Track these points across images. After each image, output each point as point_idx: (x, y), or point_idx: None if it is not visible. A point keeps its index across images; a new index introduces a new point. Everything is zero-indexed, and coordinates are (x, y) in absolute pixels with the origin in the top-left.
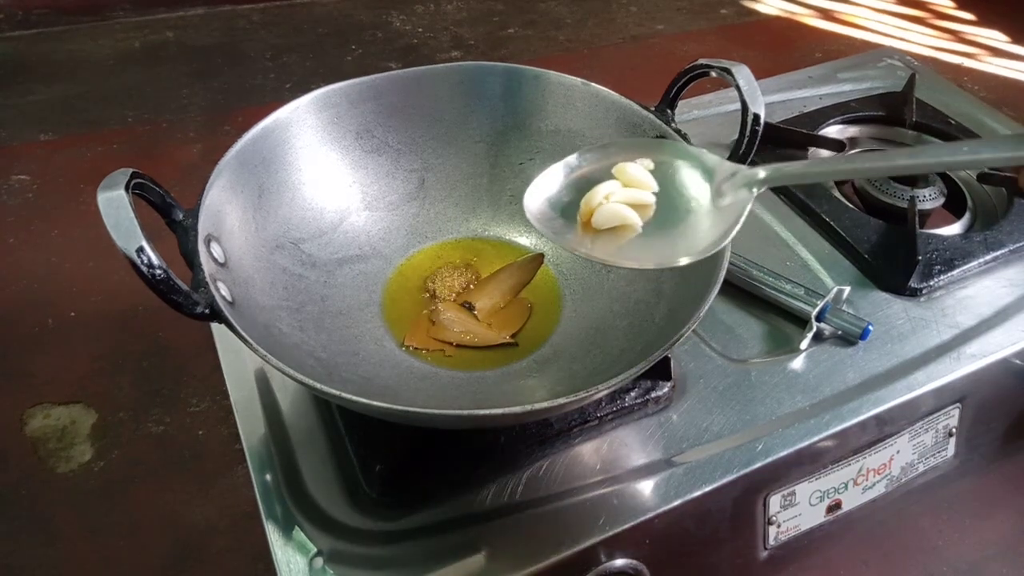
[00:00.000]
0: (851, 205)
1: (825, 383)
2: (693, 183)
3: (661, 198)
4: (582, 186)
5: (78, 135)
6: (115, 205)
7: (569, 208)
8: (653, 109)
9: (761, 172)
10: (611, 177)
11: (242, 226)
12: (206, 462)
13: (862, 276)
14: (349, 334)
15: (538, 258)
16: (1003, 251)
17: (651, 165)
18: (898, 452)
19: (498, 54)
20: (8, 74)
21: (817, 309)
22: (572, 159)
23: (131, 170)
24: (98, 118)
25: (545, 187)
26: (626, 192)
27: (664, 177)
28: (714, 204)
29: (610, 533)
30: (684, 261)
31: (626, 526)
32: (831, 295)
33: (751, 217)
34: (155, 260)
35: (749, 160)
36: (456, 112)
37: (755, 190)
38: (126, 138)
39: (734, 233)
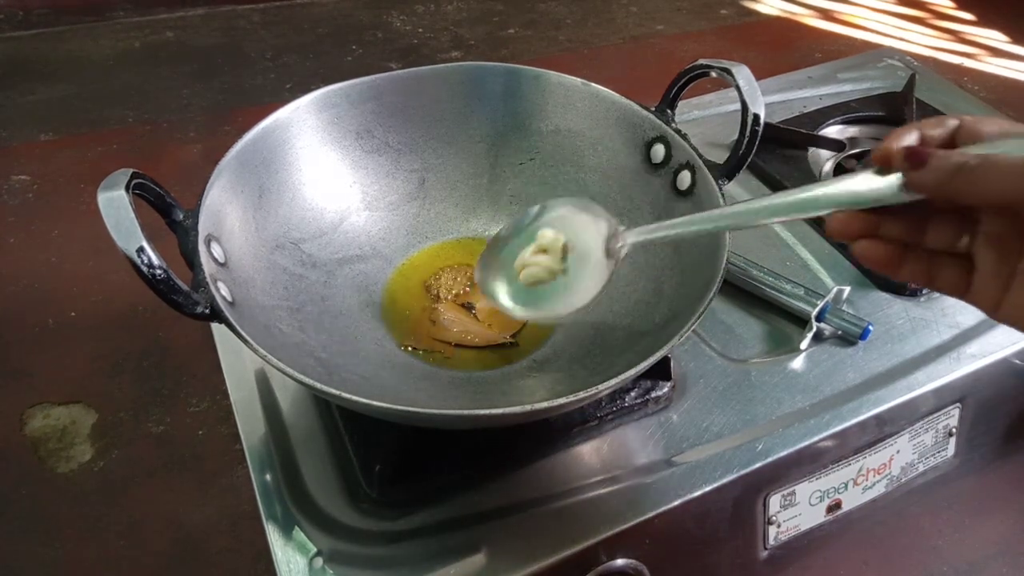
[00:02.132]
0: None
1: (825, 383)
2: (596, 243)
3: (576, 256)
4: (514, 248)
5: (78, 135)
6: (115, 205)
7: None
8: (653, 109)
9: (630, 237)
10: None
11: (242, 226)
12: (206, 462)
13: (862, 276)
14: (349, 334)
15: None
16: None
17: (560, 238)
18: (898, 452)
19: (498, 54)
20: (8, 74)
21: (817, 309)
22: (507, 229)
23: (131, 170)
24: (98, 118)
25: (489, 255)
26: (541, 257)
27: (579, 236)
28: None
29: (610, 533)
30: (568, 312)
31: (626, 526)
32: (831, 295)
33: None
34: (155, 260)
35: (748, 161)
36: (456, 112)
37: (623, 252)
38: (126, 138)
39: (596, 292)
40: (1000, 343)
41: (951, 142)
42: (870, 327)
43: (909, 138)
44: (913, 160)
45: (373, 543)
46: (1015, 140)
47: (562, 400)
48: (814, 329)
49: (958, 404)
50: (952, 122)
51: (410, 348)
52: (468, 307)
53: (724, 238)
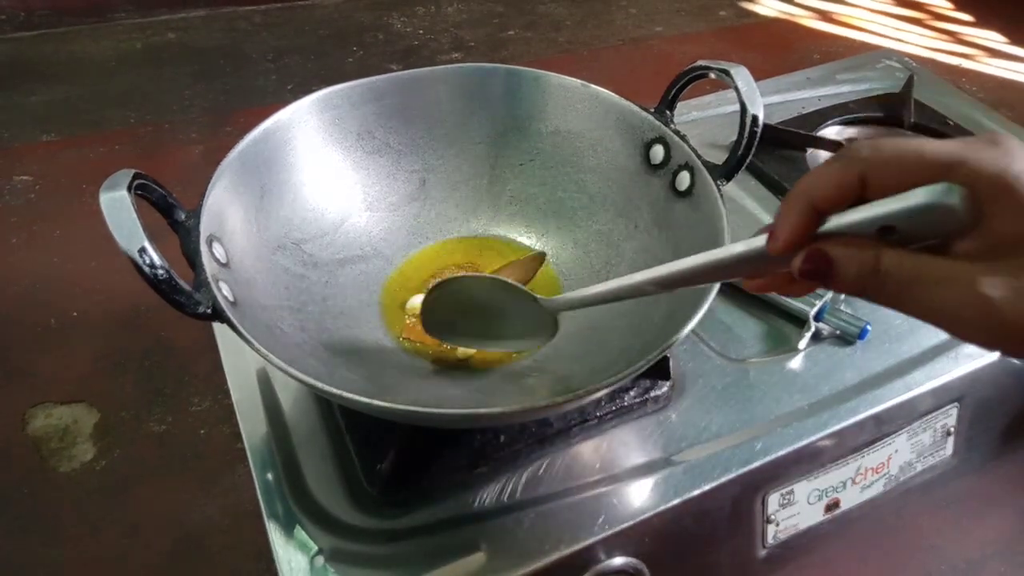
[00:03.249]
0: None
1: (823, 383)
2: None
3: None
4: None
5: (80, 136)
6: (117, 206)
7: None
8: (652, 110)
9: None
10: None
11: (244, 226)
12: (208, 461)
13: None
14: (350, 334)
15: (540, 257)
16: None
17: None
18: (896, 451)
19: (498, 56)
20: (10, 75)
21: (815, 309)
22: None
23: (133, 171)
24: (100, 119)
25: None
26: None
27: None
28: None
29: (609, 532)
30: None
31: (625, 525)
32: (829, 295)
33: (750, 218)
34: (157, 260)
35: (747, 162)
36: (457, 113)
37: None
38: (128, 139)
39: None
40: None
41: (860, 188)
42: (868, 327)
43: (792, 225)
44: (814, 276)
45: (374, 542)
46: (924, 190)
47: (562, 399)
48: (812, 329)
49: (956, 404)
50: (854, 169)
51: (408, 341)
52: None
53: (723, 239)
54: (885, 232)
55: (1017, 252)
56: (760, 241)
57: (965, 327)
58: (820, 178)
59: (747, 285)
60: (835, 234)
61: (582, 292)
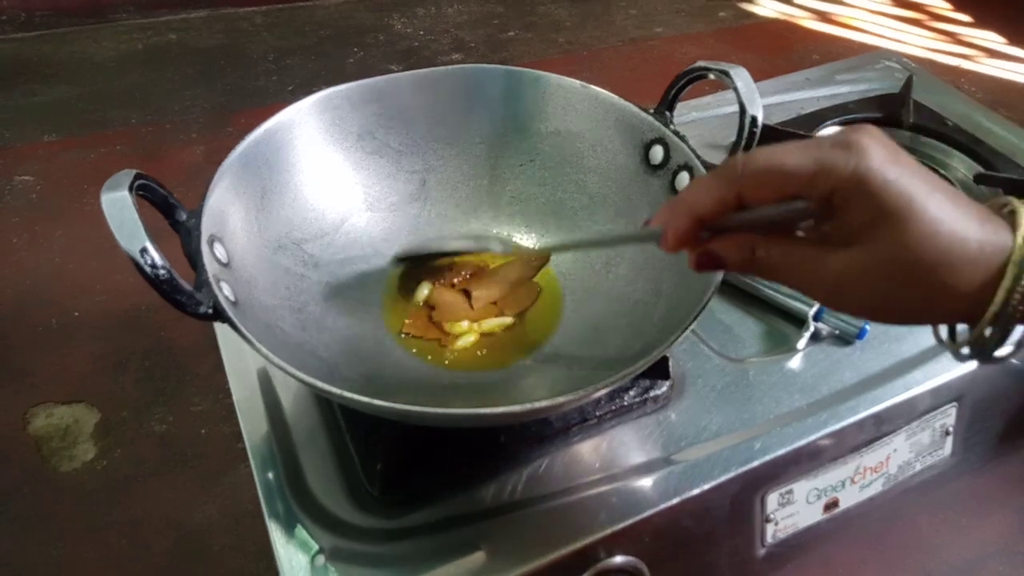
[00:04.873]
0: None
1: (822, 382)
2: None
3: None
4: None
5: (81, 136)
6: (119, 206)
7: None
8: (652, 111)
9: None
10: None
11: (245, 227)
12: (209, 461)
13: None
14: (351, 334)
15: (543, 257)
16: None
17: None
18: (895, 451)
19: (498, 56)
20: (11, 75)
21: (815, 309)
22: None
23: (134, 171)
24: (101, 119)
25: None
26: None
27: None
28: None
29: (609, 531)
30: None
31: (625, 524)
32: None
33: None
34: (158, 260)
35: None
36: (457, 114)
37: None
38: (129, 139)
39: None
40: None
41: (737, 203)
42: (867, 327)
43: (679, 233)
44: (707, 268)
45: (375, 541)
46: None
47: (562, 399)
48: (811, 329)
49: (955, 403)
50: (732, 189)
51: (409, 336)
52: (466, 294)
53: None
54: (758, 227)
55: (861, 237)
56: (656, 231)
57: (819, 295)
58: (703, 195)
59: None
60: (722, 230)
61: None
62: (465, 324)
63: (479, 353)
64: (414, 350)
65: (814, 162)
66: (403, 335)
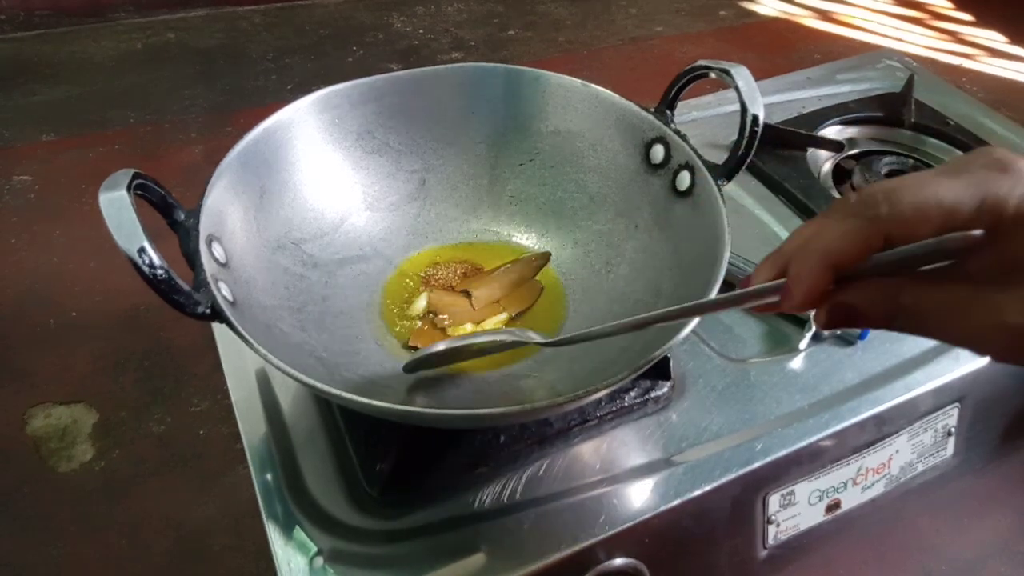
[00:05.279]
0: None
1: (824, 383)
2: None
3: None
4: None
5: (80, 136)
6: (117, 206)
7: None
8: (652, 110)
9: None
10: None
11: (243, 226)
12: (207, 461)
13: None
14: (350, 334)
15: (544, 256)
16: None
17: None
18: (897, 452)
19: (498, 55)
20: (10, 75)
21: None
22: None
23: (133, 171)
24: (100, 119)
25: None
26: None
27: None
28: None
29: (610, 532)
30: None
31: (625, 525)
32: None
33: (751, 218)
34: (157, 260)
35: (747, 161)
36: (457, 113)
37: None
38: (128, 139)
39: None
40: None
41: (883, 245)
42: None
43: (810, 286)
44: (839, 325)
45: (373, 542)
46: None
47: (562, 400)
48: (813, 329)
49: (957, 404)
50: (878, 229)
51: (416, 349)
52: (466, 295)
53: (724, 239)
54: (897, 268)
55: None
56: (773, 287)
57: (991, 348)
58: (839, 238)
59: (756, 309)
60: (851, 278)
61: (582, 332)
62: (468, 327)
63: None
64: (415, 350)
65: (976, 193)
66: (411, 348)
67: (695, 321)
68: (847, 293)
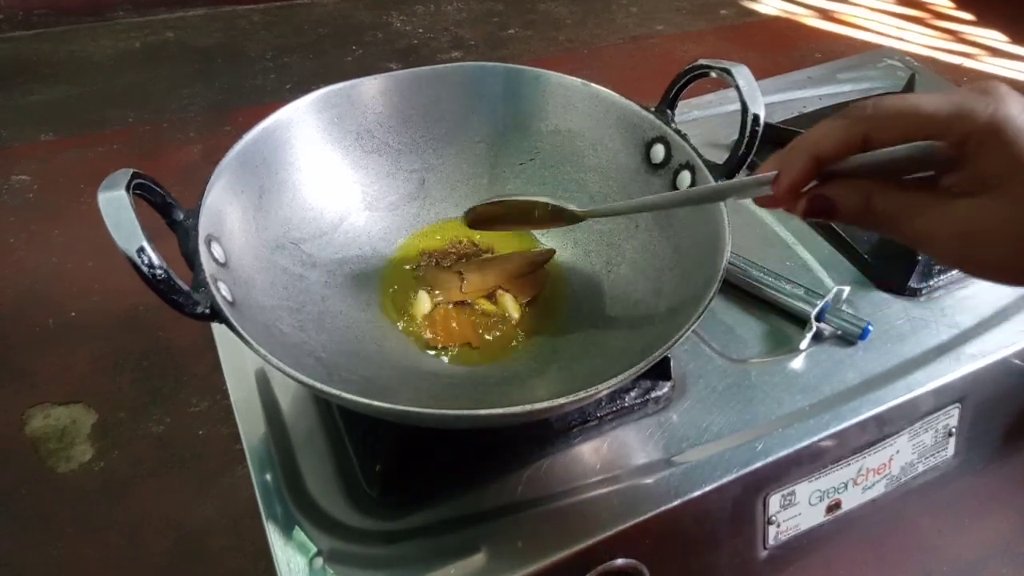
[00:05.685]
0: None
1: (825, 383)
2: None
3: None
4: None
5: (79, 135)
6: (116, 205)
7: None
8: (653, 109)
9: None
10: None
11: (243, 226)
12: (206, 462)
13: (862, 276)
14: (349, 334)
15: (548, 252)
16: None
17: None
18: (898, 452)
19: (498, 54)
20: (9, 74)
21: (817, 309)
22: None
23: (132, 170)
24: (99, 118)
25: None
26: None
27: None
28: None
29: (610, 532)
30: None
31: (626, 525)
32: (831, 295)
33: (751, 218)
34: (156, 260)
35: (748, 161)
36: (456, 112)
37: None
38: (127, 138)
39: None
40: (1000, 343)
41: (863, 144)
42: (869, 327)
43: (795, 174)
44: (817, 215)
45: (373, 543)
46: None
47: (562, 400)
48: (814, 329)
49: (958, 404)
50: (859, 128)
51: (435, 349)
52: (459, 275)
53: (724, 239)
54: (876, 171)
55: (998, 185)
56: (766, 179)
57: (943, 249)
58: (827, 135)
59: (756, 201)
60: (833, 175)
61: (610, 205)
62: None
63: (479, 351)
64: (414, 347)
65: (952, 105)
66: (432, 350)
67: (696, 322)
68: (826, 187)
